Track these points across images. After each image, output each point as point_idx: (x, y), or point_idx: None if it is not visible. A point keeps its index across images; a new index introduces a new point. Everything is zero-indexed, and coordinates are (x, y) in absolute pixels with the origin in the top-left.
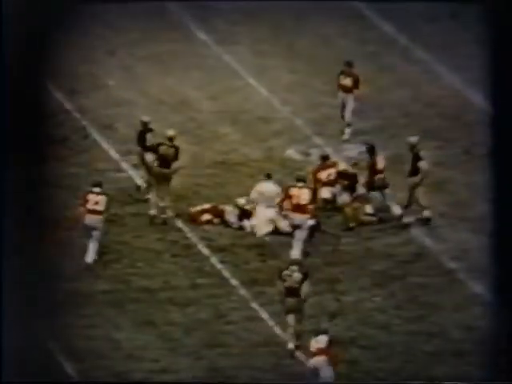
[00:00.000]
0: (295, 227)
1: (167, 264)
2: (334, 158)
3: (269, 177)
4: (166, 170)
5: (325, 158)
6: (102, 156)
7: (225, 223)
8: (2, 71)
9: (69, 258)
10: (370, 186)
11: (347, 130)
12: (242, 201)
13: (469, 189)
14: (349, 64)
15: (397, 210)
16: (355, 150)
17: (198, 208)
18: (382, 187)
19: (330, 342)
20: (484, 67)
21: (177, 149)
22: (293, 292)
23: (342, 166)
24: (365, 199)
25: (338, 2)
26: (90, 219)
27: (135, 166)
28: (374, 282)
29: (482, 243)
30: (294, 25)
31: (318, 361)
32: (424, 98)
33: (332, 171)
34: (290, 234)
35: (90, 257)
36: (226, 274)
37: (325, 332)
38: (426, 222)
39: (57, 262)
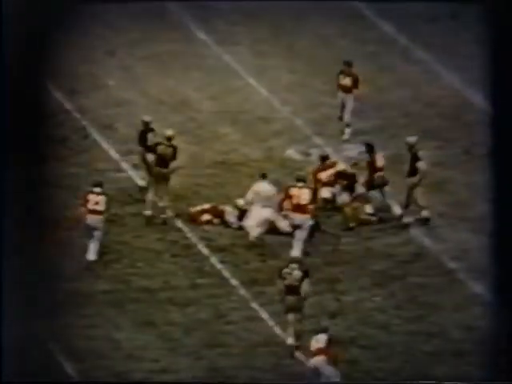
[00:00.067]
0: (295, 227)
1: (167, 264)
2: (333, 158)
3: (264, 177)
4: (163, 170)
5: (324, 158)
6: (102, 156)
7: (225, 223)
8: (2, 71)
9: (69, 258)
10: (370, 184)
11: (347, 130)
12: (241, 202)
13: (469, 189)
14: (348, 64)
15: (397, 209)
16: (355, 150)
17: (198, 208)
18: (381, 185)
19: (330, 341)
20: (484, 67)
21: (175, 148)
22: (293, 290)
23: (341, 166)
24: (364, 198)
25: (338, 2)
26: (90, 219)
27: (135, 166)
28: (374, 282)
29: (482, 243)
30: (294, 25)
31: (318, 360)
32: (424, 98)
33: (332, 171)
34: (290, 234)
35: (91, 256)
36: (226, 274)
37: (325, 330)
38: (424, 221)
39: (57, 262)
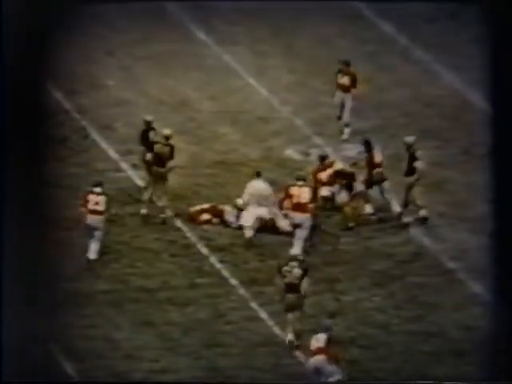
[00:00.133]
0: (296, 226)
1: (166, 264)
2: (333, 157)
3: (259, 175)
4: (160, 169)
5: (323, 158)
6: (102, 156)
7: (224, 223)
8: (2, 71)
9: (69, 258)
10: (369, 181)
11: (346, 130)
12: (240, 201)
13: (468, 189)
14: (346, 63)
15: (396, 206)
16: (354, 150)
17: (198, 208)
18: (380, 181)
19: (329, 341)
20: (483, 67)
21: (172, 148)
22: (293, 288)
23: (339, 165)
24: (364, 197)
25: (338, 2)
26: (91, 219)
27: (134, 166)
28: (374, 282)
29: (482, 243)
30: (294, 25)
31: (318, 360)
32: (423, 97)
33: (331, 171)
34: (290, 234)
35: (92, 255)
36: (225, 273)
37: (327, 329)
38: (423, 221)
39: (57, 262)
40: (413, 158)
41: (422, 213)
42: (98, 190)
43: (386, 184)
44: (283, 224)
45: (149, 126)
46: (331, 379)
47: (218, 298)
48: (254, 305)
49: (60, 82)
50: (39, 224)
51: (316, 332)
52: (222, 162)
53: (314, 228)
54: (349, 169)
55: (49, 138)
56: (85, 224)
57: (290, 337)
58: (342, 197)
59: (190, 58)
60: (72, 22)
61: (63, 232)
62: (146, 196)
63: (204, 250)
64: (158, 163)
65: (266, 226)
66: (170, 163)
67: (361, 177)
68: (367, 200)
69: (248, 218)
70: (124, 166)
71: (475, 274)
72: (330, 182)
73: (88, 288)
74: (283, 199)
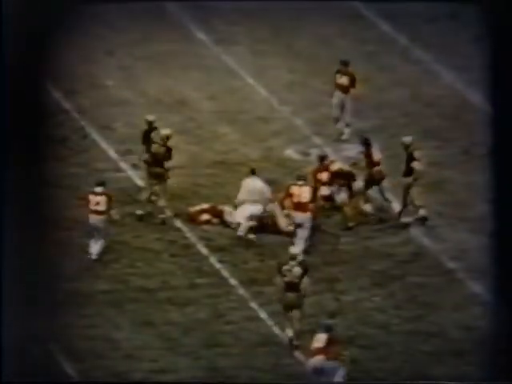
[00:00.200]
0: (296, 226)
1: (166, 264)
2: (332, 157)
3: (253, 172)
4: (158, 169)
5: (323, 158)
6: (102, 156)
7: (224, 223)
8: (2, 71)
9: (69, 258)
10: (369, 180)
11: (346, 130)
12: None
13: (468, 189)
14: (345, 63)
15: (396, 205)
16: (354, 150)
17: (197, 208)
18: (379, 179)
19: (330, 340)
20: (483, 67)
21: (169, 148)
22: (293, 287)
23: (337, 166)
24: (363, 197)
25: (338, 2)
26: (93, 219)
27: (135, 166)
28: (374, 282)
29: (482, 243)
30: (294, 25)
31: (318, 360)
32: (423, 97)
33: (331, 171)
34: (290, 234)
35: (94, 254)
36: (225, 273)
37: (329, 329)
38: (422, 220)
39: (57, 262)
40: (411, 159)
41: (422, 212)
42: (99, 189)
43: (385, 183)
44: (284, 223)
45: (151, 126)
46: (335, 378)
47: (217, 298)
48: (253, 305)
49: (60, 82)
50: (39, 224)
51: (316, 332)
52: (222, 161)
53: (314, 228)
54: (348, 169)
55: (49, 138)
56: (86, 224)
57: (289, 333)
58: (342, 197)
59: (190, 57)
60: (72, 22)
61: (63, 232)
62: (143, 196)
63: (204, 250)
64: (155, 163)
65: (266, 226)
66: (168, 164)
67: (360, 177)
68: (367, 200)
69: (240, 216)
70: (124, 165)
71: (475, 274)
72: (329, 182)
73: (88, 288)
74: (284, 198)
